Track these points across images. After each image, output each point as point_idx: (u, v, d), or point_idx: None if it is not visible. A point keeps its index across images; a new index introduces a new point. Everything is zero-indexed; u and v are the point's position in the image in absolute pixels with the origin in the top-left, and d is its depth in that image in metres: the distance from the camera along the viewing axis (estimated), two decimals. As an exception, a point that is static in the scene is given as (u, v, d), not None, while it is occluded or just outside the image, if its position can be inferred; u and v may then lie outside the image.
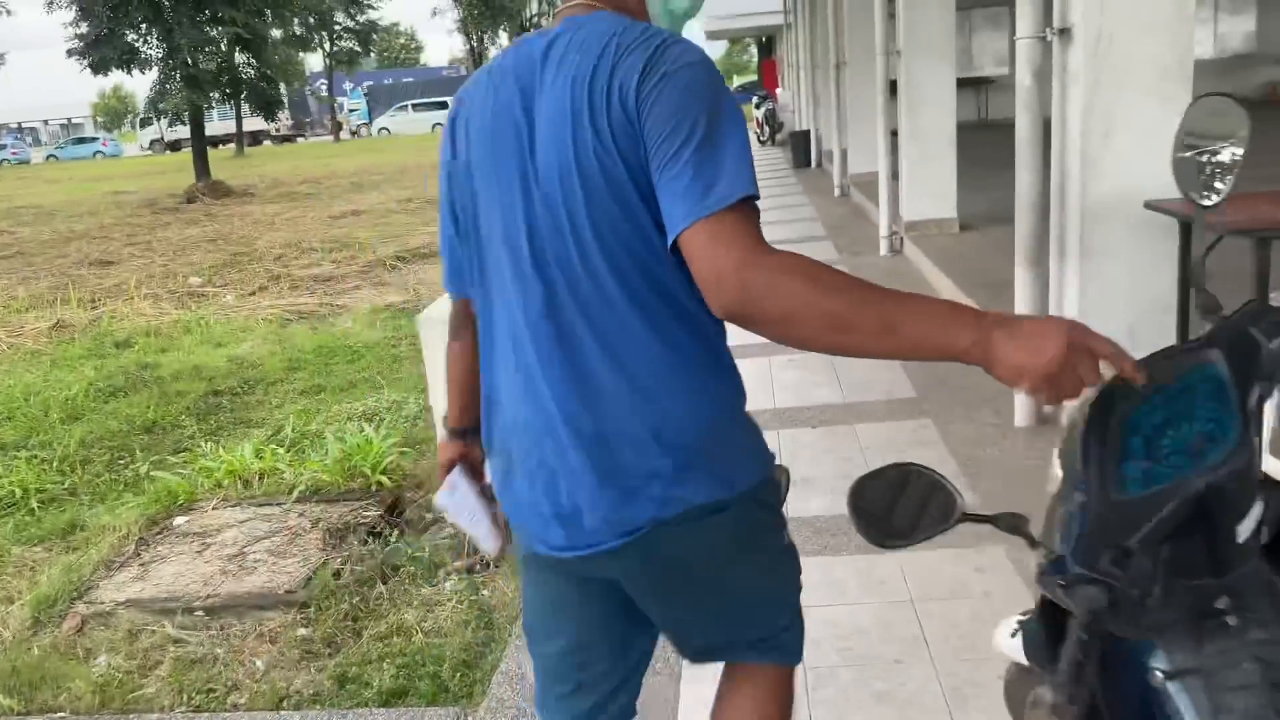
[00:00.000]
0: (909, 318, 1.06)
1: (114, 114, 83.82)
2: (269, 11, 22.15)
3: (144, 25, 20.34)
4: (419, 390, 5.14)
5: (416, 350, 5.12)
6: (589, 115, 1.22)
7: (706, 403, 1.29)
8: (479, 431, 1.48)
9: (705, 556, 1.36)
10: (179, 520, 3.90)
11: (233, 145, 36.86)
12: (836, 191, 11.98)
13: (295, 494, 3.97)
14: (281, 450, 4.45)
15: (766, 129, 21.00)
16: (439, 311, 3.32)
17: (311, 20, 42.41)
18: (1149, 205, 3.55)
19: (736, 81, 77.84)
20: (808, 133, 15.70)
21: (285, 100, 45.23)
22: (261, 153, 38.59)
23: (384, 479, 4.01)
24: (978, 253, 6.89)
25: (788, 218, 10.68)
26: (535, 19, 43.19)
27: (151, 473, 4.48)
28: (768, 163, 17.55)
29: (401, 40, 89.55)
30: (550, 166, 1.26)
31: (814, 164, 15.40)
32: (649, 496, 1.27)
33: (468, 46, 37.24)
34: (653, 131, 1.18)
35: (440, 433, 1.76)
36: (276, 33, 27.01)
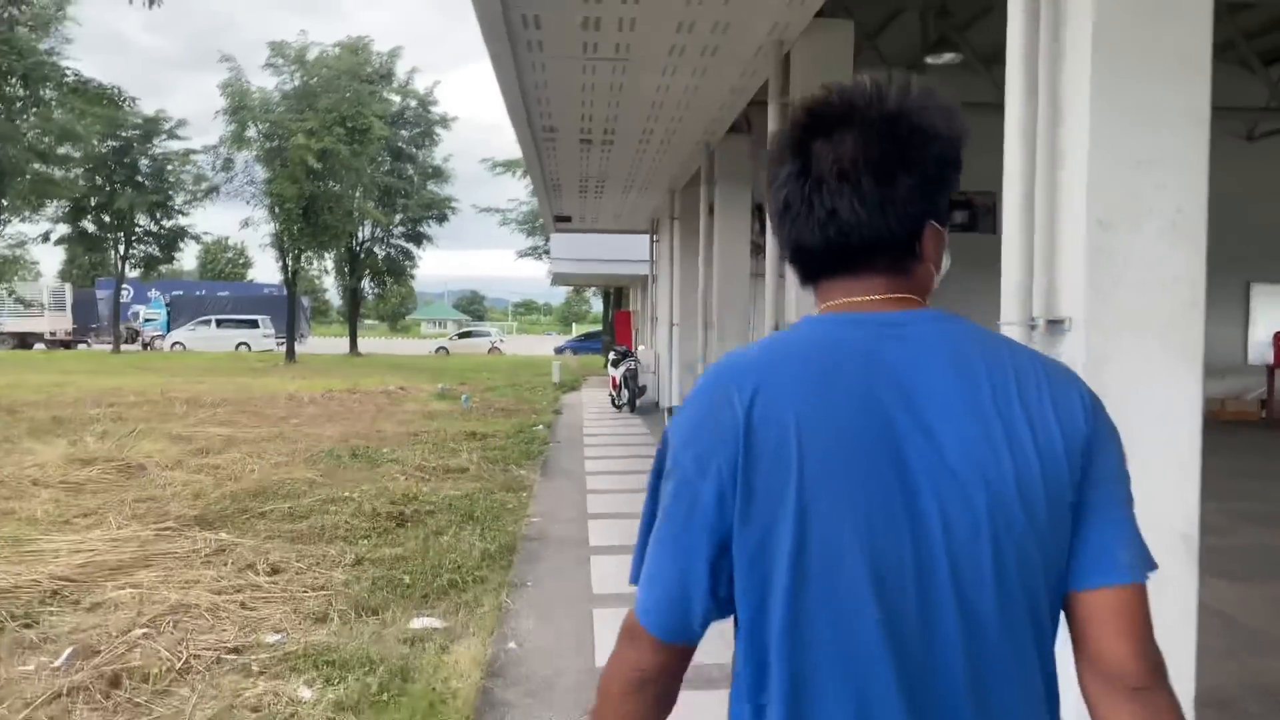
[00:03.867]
0: None
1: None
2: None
3: None
4: None
5: None
6: (1030, 435, 1.08)
7: None
8: None
9: None
10: None
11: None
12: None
13: None
14: None
15: (625, 392, 17.18)
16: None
17: (106, 219, 37.50)
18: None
19: (576, 330, 77.16)
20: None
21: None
22: (6, 359, 32.20)
23: None
24: None
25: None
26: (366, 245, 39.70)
27: None
28: (629, 437, 13.61)
29: (229, 254, 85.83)
30: (972, 487, 1.06)
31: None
32: None
33: (280, 263, 32.77)
34: (1100, 473, 1.10)
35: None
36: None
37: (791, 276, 5.27)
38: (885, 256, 1.15)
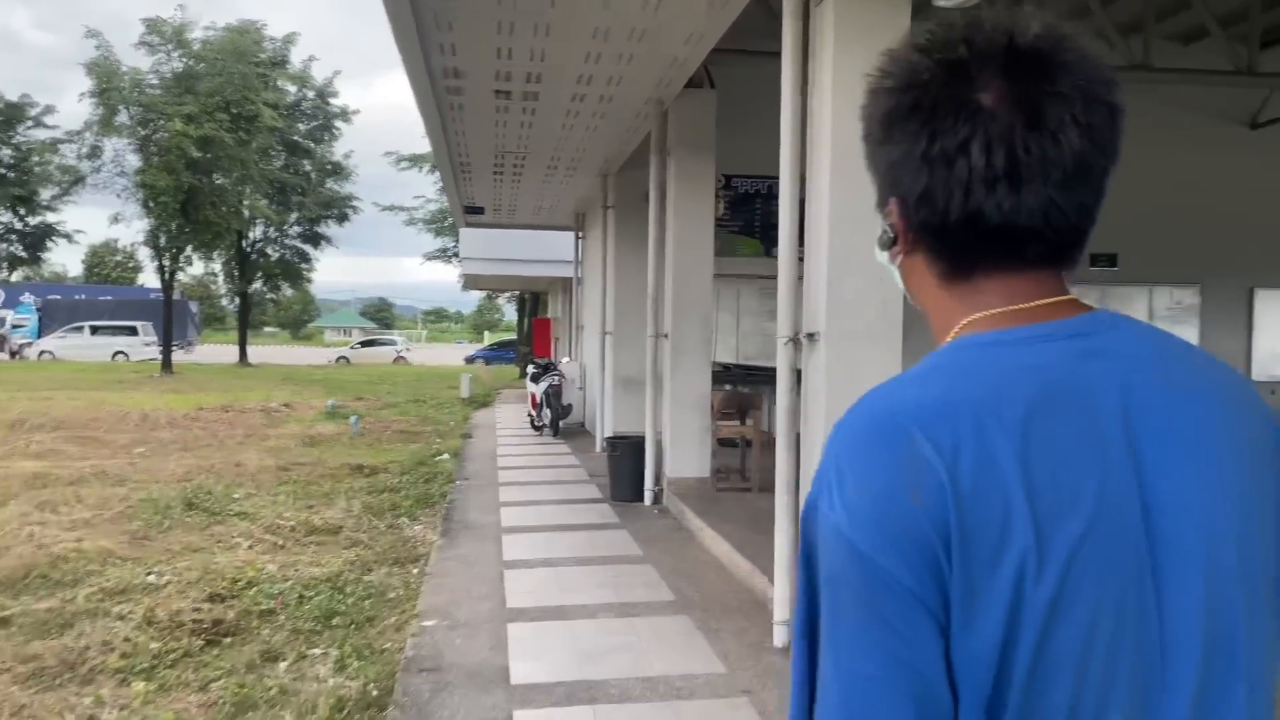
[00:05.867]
0: None
1: None
2: None
3: None
4: None
5: None
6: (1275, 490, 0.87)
7: None
8: None
9: None
10: None
11: None
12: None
13: None
14: None
15: (547, 412, 14.62)
16: None
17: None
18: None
19: (489, 338, 73.77)
20: (635, 442, 9.27)
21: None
22: None
23: None
24: None
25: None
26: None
27: None
28: (555, 470, 11.09)
29: (118, 257, 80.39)
30: (1226, 578, 0.83)
31: (652, 496, 8.98)
32: None
33: (156, 264, 29.28)
34: None
35: None
36: None
37: (818, 276, 4.82)
38: (1041, 246, 0.88)
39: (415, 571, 6.54)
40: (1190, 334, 14.11)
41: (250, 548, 6.91)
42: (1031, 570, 0.76)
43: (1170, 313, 14.13)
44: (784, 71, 4.94)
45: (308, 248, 39.35)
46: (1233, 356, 14.18)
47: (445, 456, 12.06)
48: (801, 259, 4.95)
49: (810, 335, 4.82)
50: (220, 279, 38.34)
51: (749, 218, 12.10)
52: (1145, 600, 0.79)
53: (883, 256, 0.97)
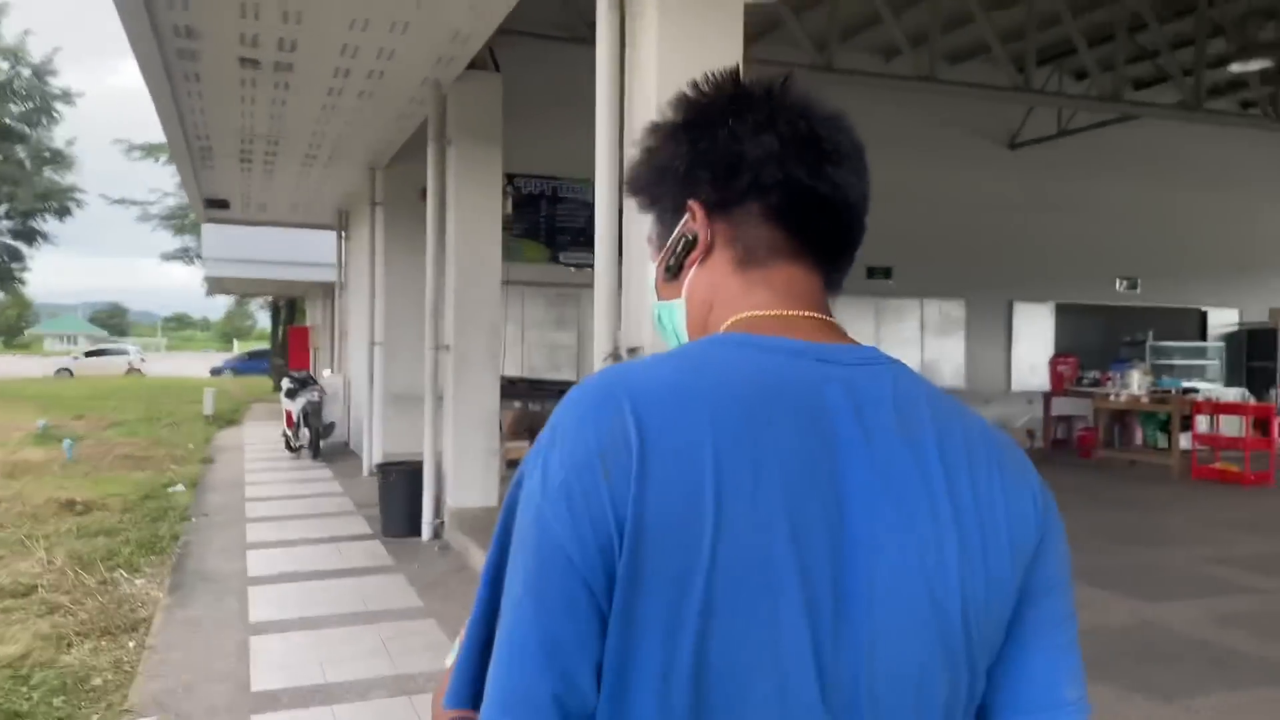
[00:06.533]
0: None
1: None
2: None
3: None
4: None
5: None
6: (979, 539, 0.87)
7: None
8: None
9: None
10: None
11: None
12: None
13: None
14: None
15: (305, 431, 13.09)
16: None
17: None
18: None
19: (239, 348, 68.49)
20: (411, 468, 8.13)
21: None
22: None
23: None
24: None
25: None
26: None
27: None
28: (315, 499, 9.74)
29: None
30: (915, 608, 0.84)
31: (431, 530, 7.89)
32: None
33: None
34: (1044, 584, 0.90)
35: None
36: None
37: (640, 287, 4.17)
38: (849, 255, 0.98)
39: (132, 645, 5.19)
40: (957, 345, 14.63)
41: (-102, 625, 5.29)
42: (699, 575, 0.75)
43: (939, 324, 14.56)
44: (599, 62, 4.27)
45: (20, 245, 34.75)
46: (994, 366, 14.84)
47: (180, 487, 10.37)
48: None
49: (632, 350, 4.20)
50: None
51: (534, 220, 11.26)
52: (819, 631, 0.78)
53: (660, 279, 1.00)
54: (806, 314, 0.91)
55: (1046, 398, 14.07)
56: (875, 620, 0.80)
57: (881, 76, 10.94)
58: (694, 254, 0.95)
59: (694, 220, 0.94)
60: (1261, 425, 11.85)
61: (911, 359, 14.34)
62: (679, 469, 0.77)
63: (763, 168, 0.91)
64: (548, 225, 11.21)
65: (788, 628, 0.77)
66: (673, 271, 0.97)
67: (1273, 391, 14.97)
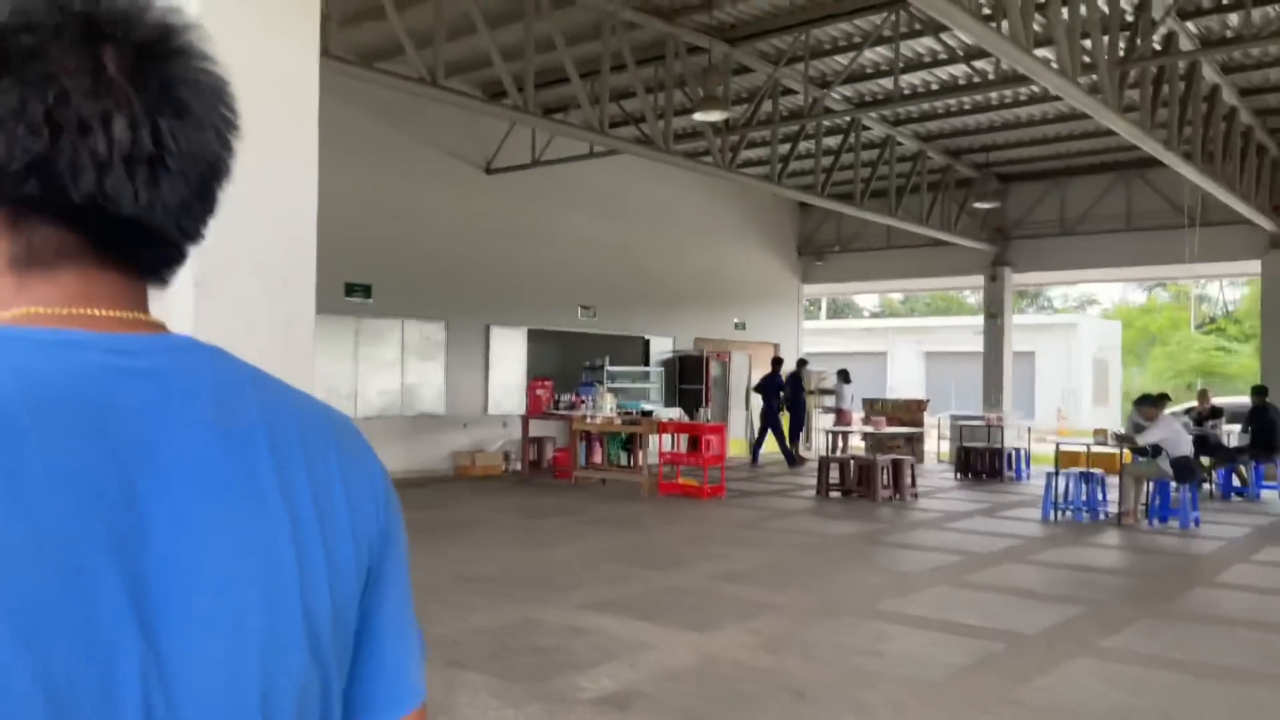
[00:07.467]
0: None
1: None
2: None
3: None
4: None
5: None
6: (318, 532, 0.78)
7: None
8: None
9: None
10: None
11: None
12: None
13: None
14: None
15: None
16: None
17: None
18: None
19: None
20: None
21: None
22: None
23: None
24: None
25: None
26: None
27: None
28: None
29: None
30: (235, 621, 0.73)
31: None
32: None
33: None
34: (391, 574, 0.84)
35: None
36: None
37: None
38: (154, 251, 0.77)
39: None
40: (438, 369, 14.18)
41: None
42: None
43: (420, 347, 13.99)
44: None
45: None
46: (473, 390, 14.66)
47: None
48: None
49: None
50: None
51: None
52: (150, 693, 0.65)
53: None
54: (102, 313, 0.73)
55: (524, 420, 14.22)
56: (202, 645, 0.67)
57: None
58: None
59: None
60: (709, 443, 13.14)
61: (393, 383, 13.57)
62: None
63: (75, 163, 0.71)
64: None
65: (121, 698, 0.63)
66: None
67: (702, 411, 16.86)
